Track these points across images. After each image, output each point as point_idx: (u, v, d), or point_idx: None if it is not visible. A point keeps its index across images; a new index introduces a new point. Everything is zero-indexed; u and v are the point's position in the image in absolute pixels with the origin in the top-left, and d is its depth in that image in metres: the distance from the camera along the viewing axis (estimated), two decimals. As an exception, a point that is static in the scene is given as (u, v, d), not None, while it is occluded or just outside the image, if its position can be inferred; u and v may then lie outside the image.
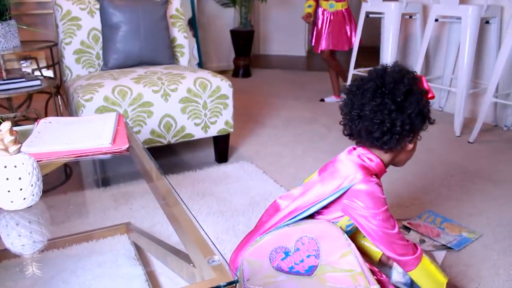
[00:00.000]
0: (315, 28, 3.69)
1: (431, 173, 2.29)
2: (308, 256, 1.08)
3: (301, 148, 2.68)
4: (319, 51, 3.69)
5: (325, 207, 1.17)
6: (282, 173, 2.30)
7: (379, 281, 1.09)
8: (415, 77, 1.14)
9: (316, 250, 1.08)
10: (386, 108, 1.09)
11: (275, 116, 3.33)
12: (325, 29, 3.62)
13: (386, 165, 1.22)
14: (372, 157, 1.18)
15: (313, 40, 3.72)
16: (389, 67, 1.15)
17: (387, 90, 1.10)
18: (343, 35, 3.61)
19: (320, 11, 3.63)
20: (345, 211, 1.14)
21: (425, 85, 1.16)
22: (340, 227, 1.13)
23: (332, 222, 1.16)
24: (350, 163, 1.16)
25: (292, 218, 1.15)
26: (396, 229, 1.11)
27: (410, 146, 1.20)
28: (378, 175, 1.19)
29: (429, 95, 1.16)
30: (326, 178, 1.18)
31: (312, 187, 1.19)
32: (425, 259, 1.16)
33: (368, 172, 1.13)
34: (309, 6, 3.66)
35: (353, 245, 1.09)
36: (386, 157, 1.21)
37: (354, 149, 1.22)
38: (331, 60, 3.70)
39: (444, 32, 3.44)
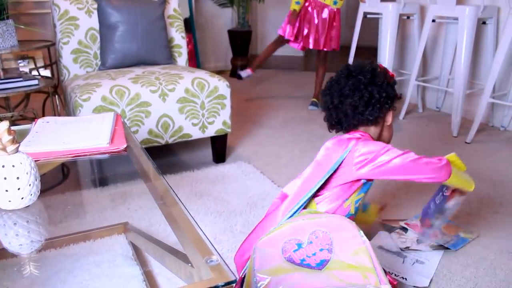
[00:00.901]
0: (311, 24, 3.42)
1: (428, 173, 2.29)
2: (321, 250, 1.08)
3: (298, 148, 2.68)
4: (309, 48, 3.52)
5: (328, 191, 1.25)
6: (280, 173, 2.31)
7: (390, 283, 1.09)
8: (373, 62, 1.35)
9: (330, 244, 1.08)
10: (361, 83, 1.27)
11: (272, 116, 3.34)
12: (319, 27, 3.41)
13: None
14: (361, 134, 1.32)
15: (284, 29, 3.48)
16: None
17: (355, 73, 1.30)
18: (338, 34, 3.54)
19: (315, 5, 3.39)
20: (361, 174, 1.22)
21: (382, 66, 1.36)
22: (355, 224, 1.14)
23: (343, 203, 1.26)
24: (343, 139, 1.29)
25: (301, 200, 1.23)
26: (413, 153, 1.27)
27: (389, 119, 1.36)
28: None
29: (390, 73, 1.35)
30: (323, 157, 1.29)
31: (312, 168, 1.29)
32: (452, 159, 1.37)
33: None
34: (298, 2, 3.36)
35: (368, 242, 1.09)
36: (372, 132, 1.35)
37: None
38: (326, 61, 3.63)
39: (441, 32, 3.45)
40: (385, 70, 1.34)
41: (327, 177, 1.23)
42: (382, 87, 1.28)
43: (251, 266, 1.10)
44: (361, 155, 1.21)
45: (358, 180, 1.25)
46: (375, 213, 1.63)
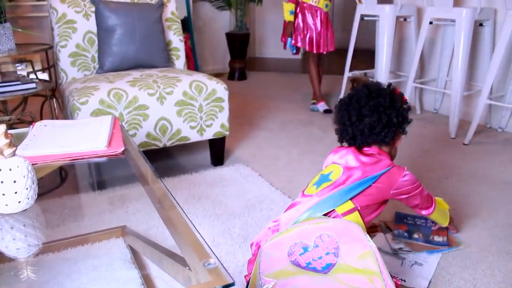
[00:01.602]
0: (306, 29, 3.44)
1: (427, 176, 2.30)
2: (327, 254, 1.08)
3: (297, 150, 2.68)
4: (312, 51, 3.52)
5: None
6: (278, 176, 2.31)
7: (396, 286, 1.10)
8: (390, 84, 1.43)
9: (336, 248, 1.08)
10: (381, 105, 1.33)
11: (271, 119, 3.34)
12: (319, 30, 3.44)
13: None
14: (379, 151, 1.40)
15: (296, 40, 3.48)
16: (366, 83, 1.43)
17: (376, 93, 1.36)
18: (333, 36, 3.58)
19: (312, 6, 3.40)
20: (392, 196, 1.34)
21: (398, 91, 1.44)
22: (361, 227, 1.14)
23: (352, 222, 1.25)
24: (377, 157, 1.36)
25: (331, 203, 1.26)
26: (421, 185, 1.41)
27: (399, 143, 1.46)
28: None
29: (404, 98, 1.43)
30: (357, 169, 1.32)
31: (344, 175, 1.33)
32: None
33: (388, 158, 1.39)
34: (292, 12, 3.39)
35: (374, 246, 1.09)
36: (385, 150, 1.42)
37: (352, 148, 1.41)
38: (324, 62, 3.67)
39: (438, 34, 3.46)
40: (401, 95, 1.41)
41: (363, 188, 1.28)
42: (400, 111, 1.36)
43: (256, 269, 1.10)
44: (403, 186, 1.34)
45: (385, 201, 1.35)
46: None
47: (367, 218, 1.30)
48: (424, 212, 1.46)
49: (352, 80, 3.07)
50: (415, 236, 1.70)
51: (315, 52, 3.48)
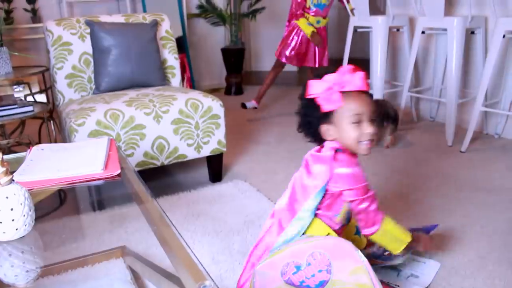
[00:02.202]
0: (297, 45, 3.66)
1: (425, 184, 2.30)
2: (320, 271, 1.09)
3: (294, 165, 2.67)
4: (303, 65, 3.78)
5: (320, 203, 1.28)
6: (277, 190, 2.31)
7: None
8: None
9: (328, 265, 1.09)
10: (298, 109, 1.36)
11: (268, 133, 3.35)
12: (311, 46, 3.67)
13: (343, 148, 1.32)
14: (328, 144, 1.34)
15: (290, 53, 3.70)
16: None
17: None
18: (324, 51, 3.74)
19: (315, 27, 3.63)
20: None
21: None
22: (352, 243, 1.15)
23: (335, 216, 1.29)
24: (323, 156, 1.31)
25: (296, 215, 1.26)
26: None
27: (331, 132, 1.30)
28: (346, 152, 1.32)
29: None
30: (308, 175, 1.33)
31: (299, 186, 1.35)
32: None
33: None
34: (309, 24, 3.56)
35: (366, 261, 1.10)
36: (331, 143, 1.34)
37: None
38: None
39: (431, 43, 3.49)
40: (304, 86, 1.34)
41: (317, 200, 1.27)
42: (303, 105, 1.33)
43: None
44: (338, 181, 1.27)
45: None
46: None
47: (328, 220, 1.29)
48: (366, 232, 1.33)
49: None
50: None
51: (311, 66, 3.73)
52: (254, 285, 1.10)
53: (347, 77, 1.21)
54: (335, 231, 1.29)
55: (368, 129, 1.22)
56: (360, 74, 1.22)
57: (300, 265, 1.10)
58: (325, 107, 1.23)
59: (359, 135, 1.23)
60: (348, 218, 1.38)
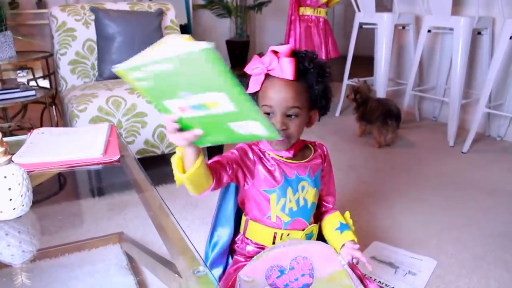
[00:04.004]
0: (319, 37, 3.62)
1: (425, 184, 2.30)
2: (303, 275, 1.09)
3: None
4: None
5: None
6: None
7: None
8: None
9: (310, 270, 1.10)
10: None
11: (270, 126, 3.34)
12: (326, 37, 3.64)
13: None
14: None
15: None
16: None
17: None
18: (335, 41, 3.73)
19: (312, 17, 3.59)
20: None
21: None
22: (332, 247, 1.14)
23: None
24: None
25: None
26: None
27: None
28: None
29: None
30: None
31: None
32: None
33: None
34: None
35: (347, 266, 1.10)
36: None
37: None
38: None
39: (437, 42, 3.48)
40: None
41: None
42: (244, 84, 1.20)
43: None
44: None
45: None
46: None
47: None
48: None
49: (355, 91, 3.09)
50: None
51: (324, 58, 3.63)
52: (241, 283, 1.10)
53: (274, 63, 1.06)
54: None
55: (277, 124, 1.05)
56: (287, 60, 1.05)
57: (284, 269, 1.10)
58: (249, 88, 1.12)
59: None
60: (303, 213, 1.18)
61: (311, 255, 1.11)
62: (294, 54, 1.06)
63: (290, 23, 3.62)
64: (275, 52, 1.07)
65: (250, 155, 1.13)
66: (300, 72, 1.05)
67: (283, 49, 1.06)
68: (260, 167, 1.12)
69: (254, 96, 1.11)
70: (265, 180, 1.12)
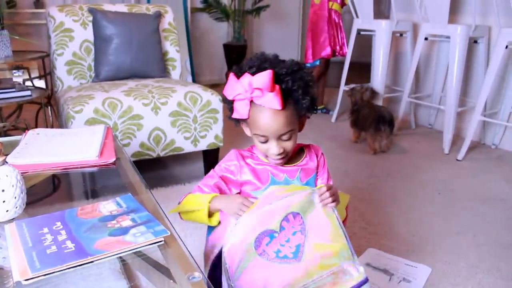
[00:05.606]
0: (327, 31, 3.72)
1: (420, 191, 2.30)
2: (294, 234, 1.03)
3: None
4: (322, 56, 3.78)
5: None
6: (271, 187, 2.30)
7: None
8: None
9: (301, 225, 1.04)
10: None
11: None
12: (334, 31, 3.75)
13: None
14: None
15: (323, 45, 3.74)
16: None
17: None
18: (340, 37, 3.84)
19: (326, 10, 3.70)
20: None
21: None
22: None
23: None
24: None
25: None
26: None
27: (243, 125, 1.20)
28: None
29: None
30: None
31: None
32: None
33: None
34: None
35: (336, 211, 1.07)
36: None
37: None
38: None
39: (433, 50, 3.49)
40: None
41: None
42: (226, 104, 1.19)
43: (226, 275, 1.07)
44: None
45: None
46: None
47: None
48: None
49: (352, 95, 3.09)
50: None
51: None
52: (228, 270, 1.05)
53: (257, 93, 1.02)
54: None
55: (274, 149, 1.08)
56: (272, 95, 1.01)
57: (273, 232, 1.02)
58: (234, 114, 1.10)
59: (266, 150, 1.12)
60: None
61: (301, 210, 1.05)
62: (275, 75, 1.02)
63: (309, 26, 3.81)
64: (252, 74, 1.03)
65: (233, 168, 1.21)
66: (286, 94, 1.04)
67: (264, 80, 1.00)
68: (246, 171, 1.17)
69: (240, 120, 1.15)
70: (250, 183, 1.15)
